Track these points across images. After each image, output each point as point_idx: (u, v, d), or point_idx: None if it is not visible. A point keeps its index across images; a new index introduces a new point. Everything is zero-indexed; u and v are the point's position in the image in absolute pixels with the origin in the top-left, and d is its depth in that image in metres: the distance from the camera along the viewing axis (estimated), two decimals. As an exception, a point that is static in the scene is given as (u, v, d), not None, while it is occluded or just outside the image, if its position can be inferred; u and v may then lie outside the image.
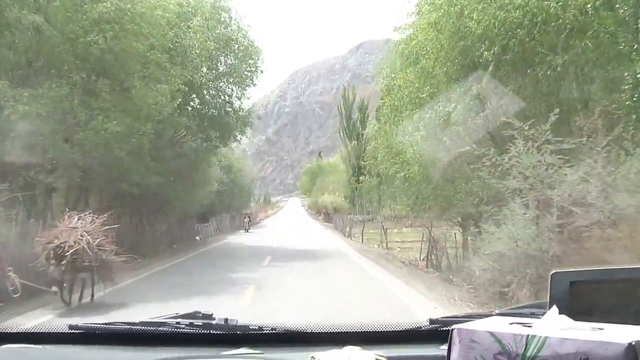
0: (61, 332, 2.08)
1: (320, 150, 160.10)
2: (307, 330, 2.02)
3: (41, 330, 2.20)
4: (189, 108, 22.91)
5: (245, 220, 45.58)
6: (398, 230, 43.47)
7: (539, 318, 1.27)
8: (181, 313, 2.16)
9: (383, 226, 29.88)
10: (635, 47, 9.62)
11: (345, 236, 39.23)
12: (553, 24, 10.85)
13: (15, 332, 2.15)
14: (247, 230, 43.64)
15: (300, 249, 25.80)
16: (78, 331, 2.04)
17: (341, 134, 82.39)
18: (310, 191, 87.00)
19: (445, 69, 13.32)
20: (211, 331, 2.00)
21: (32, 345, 1.90)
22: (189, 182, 26.03)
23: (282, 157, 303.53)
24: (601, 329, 1.14)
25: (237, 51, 24.48)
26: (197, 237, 34.11)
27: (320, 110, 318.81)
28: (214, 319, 2.06)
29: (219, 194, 39.88)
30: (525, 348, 1.09)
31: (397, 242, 28.80)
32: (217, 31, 23.08)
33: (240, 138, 27.20)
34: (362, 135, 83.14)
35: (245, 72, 25.07)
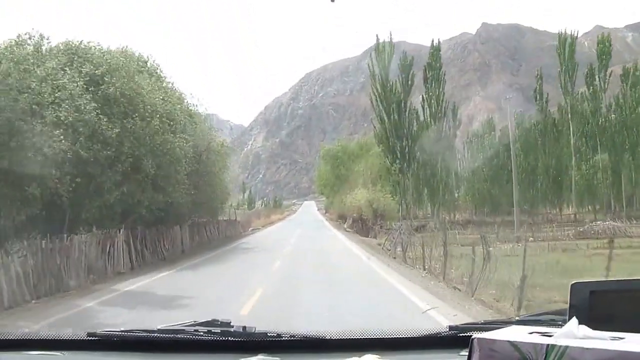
0: (80, 339, 1.99)
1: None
2: (326, 337, 1.87)
3: (60, 338, 2.08)
4: None
5: None
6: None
7: (558, 326, 1.22)
8: (199, 320, 1.99)
9: None
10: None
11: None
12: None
13: (36, 339, 2.07)
14: None
15: None
16: (96, 338, 1.95)
17: (374, 103, 52.43)
18: (330, 187, 56.85)
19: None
20: (229, 338, 1.88)
21: (52, 352, 1.83)
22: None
23: (296, 160, 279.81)
24: (621, 338, 1.09)
25: None
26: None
27: (334, 112, 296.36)
28: (232, 327, 1.93)
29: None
30: (546, 357, 1.04)
31: None
32: None
33: None
34: (405, 105, 53.31)
35: None
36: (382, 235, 37.02)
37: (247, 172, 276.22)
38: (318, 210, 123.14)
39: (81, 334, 1.98)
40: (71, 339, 2.05)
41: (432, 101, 54.38)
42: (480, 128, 77.50)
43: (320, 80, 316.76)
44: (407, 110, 53.52)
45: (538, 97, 55.79)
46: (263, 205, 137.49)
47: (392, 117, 52.95)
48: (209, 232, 30.16)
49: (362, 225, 42.56)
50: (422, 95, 55.31)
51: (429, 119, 54.55)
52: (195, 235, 26.80)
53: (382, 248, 25.81)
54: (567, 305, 1.34)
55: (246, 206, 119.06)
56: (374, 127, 54.31)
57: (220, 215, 37.85)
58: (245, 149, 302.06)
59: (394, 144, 52.59)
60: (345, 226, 53.96)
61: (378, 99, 53.42)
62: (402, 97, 53.26)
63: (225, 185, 32.25)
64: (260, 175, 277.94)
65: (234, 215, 51.06)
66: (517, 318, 1.98)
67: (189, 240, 24.72)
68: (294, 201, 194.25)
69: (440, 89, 54.57)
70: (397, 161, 51.14)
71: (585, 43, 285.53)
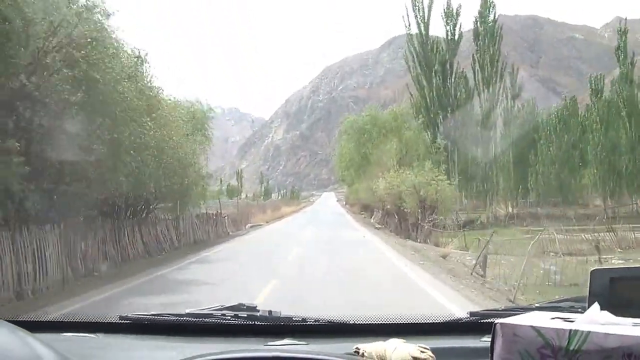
0: (113, 322, 1.96)
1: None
2: (351, 322, 1.83)
3: (94, 320, 2.02)
4: None
5: None
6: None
7: (579, 312, 1.17)
8: (226, 305, 1.93)
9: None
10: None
11: None
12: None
13: (70, 321, 2.03)
14: None
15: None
16: (128, 322, 1.93)
17: (411, 65, 38.65)
18: (353, 171, 42.29)
19: None
20: (255, 322, 1.84)
21: (86, 334, 1.81)
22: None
23: (316, 152, 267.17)
24: None
25: None
26: None
27: (354, 105, 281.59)
28: (259, 311, 1.89)
29: None
30: (568, 342, 1.00)
31: None
32: None
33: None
34: (451, 67, 39.47)
35: None
36: (440, 239, 23.14)
37: (267, 164, 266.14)
38: (337, 201, 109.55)
39: (114, 317, 1.94)
40: (104, 322, 2.00)
41: (485, 62, 40.09)
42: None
43: (340, 74, 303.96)
44: (454, 73, 39.44)
45: (622, 57, 41.00)
46: (280, 197, 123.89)
47: (434, 81, 38.99)
48: (153, 238, 16.49)
49: (399, 220, 28.67)
50: (473, 55, 41.07)
51: (480, 85, 40.30)
52: (115, 246, 13.19)
53: (473, 273, 11.93)
54: (587, 293, 1.25)
55: (262, 197, 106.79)
56: (411, 94, 40.22)
57: (195, 206, 24.34)
58: (266, 141, 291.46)
59: (436, 116, 38.63)
60: (372, 221, 40.07)
61: (415, 60, 39.41)
62: (446, 56, 39.22)
63: (191, 161, 18.61)
64: (281, 167, 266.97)
65: (234, 206, 38.00)
66: (536, 304, 1.87)
67: (70, 265, 10.74)
68: (313, 192, 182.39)
69: (496, 47, 40.24)
70: (440, 137, 37.14)
71: (605, 35, 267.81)
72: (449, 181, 24.54)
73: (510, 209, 40.55)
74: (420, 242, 21.46)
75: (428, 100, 38.73)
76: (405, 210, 26.41)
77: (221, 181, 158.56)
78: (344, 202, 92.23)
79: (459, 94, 39.29)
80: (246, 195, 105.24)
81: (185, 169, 18.65)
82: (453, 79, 39.23)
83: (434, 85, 38.71)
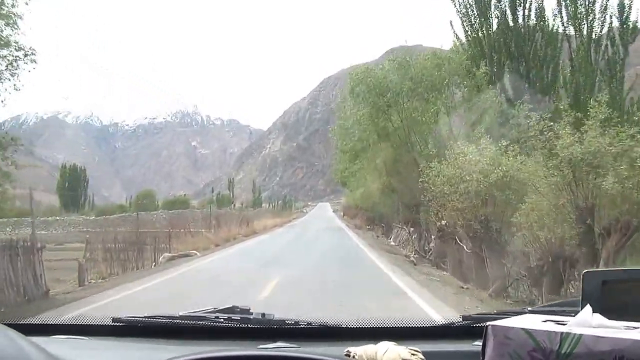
0: (105, 325, 1.89)
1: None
2: (343, 326, 1.79)
3: (86, 323, 1.96)
4: None
5: None
6: None
7: (571, 316, 1.13)
8: (219, 308, 1.87)
9: None
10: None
11: None
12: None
13: (63, 324, 1.94)
14: None
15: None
16: (121, 324, 1.85)
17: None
18: (364, 158, 25.04)
19: None
20: (249, 325, 1.79)
21: (78, 337, 1.74)
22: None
23: (313, 163, 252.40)
24: (636, 327, 1.02)
25: None
26: None
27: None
28: (252, 314, 1.84)
29: None
30: (560, 345, 0.97)
31: None
32: None
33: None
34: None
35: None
36: None
37: (264, 174, 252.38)
38: (334, 212, 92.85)
39: (106, 320, 1.87)
40: (96, 324, 1.93)
41: (571, -8, 23.52)
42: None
43: (339, 85, 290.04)
44: (527, 1, 22.83)
45: None
46: (272, 207, 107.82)
47: (494, 15, 22.49)
48: None
49: (484, 250, 11.92)
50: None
51: (568, 25, 23.72)
52: None
53: None
54: (580, 297, 1.23)
55: (248, 207, 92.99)
56: (456, 36, 23.49)
57: None
58: (263, 152, 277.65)
59: (501, 68, 22.10)
60: (393, 243, 23.45)
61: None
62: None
63: None
64: (277, 178, 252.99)
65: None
66: (529, 308, 1.78)
67: None
68: (308, 203, 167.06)
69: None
70: (519, 101, 20.34)
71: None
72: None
73: (627, 228, 23.75)
74: None
75: (486, 43, 22.21)
76: (513, 230, 9.78)
77: (212, 190, 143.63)
78: (342, 214, 75.87)
79: (536, 35, 22.70)
80: (234, 205, 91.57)
81: None
82: (526, 11, 22.67)
83: (501, 19, 22.21)
